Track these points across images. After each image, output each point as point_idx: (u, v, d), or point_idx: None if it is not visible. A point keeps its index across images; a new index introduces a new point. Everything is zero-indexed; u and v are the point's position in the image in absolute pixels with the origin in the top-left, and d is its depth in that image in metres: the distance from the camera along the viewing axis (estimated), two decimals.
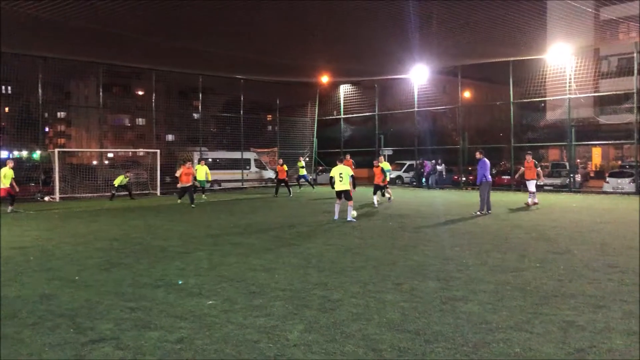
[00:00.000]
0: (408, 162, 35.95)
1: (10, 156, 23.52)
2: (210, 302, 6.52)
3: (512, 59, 26.72)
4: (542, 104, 36.31)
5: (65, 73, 28.55)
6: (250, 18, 18.27)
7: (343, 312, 6.03)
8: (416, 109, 32.06)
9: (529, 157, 18.79)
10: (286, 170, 25.86)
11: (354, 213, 15.05)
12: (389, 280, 7.55)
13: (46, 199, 24.00)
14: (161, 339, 5.21)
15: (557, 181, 28.32)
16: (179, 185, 20.46)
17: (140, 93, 71.49)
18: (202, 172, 23.66)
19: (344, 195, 15.00)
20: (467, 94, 38.27)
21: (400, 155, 37.37)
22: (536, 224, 13.79)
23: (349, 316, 5.86)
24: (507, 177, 29.53)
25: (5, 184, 18.28)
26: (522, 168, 19.16)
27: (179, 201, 20.83)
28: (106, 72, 29.28)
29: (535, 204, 18.45)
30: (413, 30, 19.34)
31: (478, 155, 16.84)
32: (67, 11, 16.13)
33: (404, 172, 36.25)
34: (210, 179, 24.78)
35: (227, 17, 17.94)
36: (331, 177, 15.34)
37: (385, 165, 20.49)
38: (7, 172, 18.40)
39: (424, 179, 31.54)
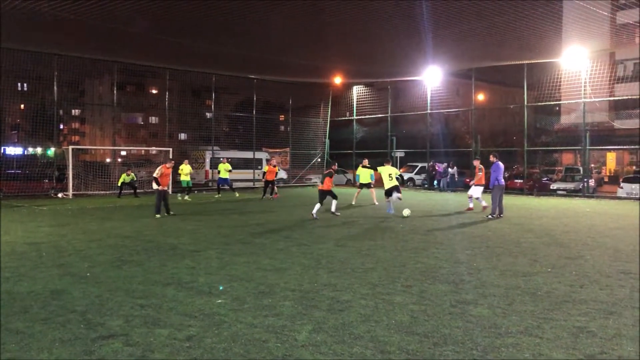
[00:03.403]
0: (420, 165, 35.85)
1: None
2: (220, 301, 6.54)
3: (526, 61, 26.55)
4: (557, 108, 36.09)
5: (80, 71, 28.72)
6: (264, 18, 18.31)
7: (352, 313, 6.02)
8: (429, 111, 31.95)
9: (477, 162, 18.16)
10: (276, 172, 24.67)
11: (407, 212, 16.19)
12: (398, 283, 7.53)
13: (59, 195, 24.21)
14: (170, 336, 5.23)
15: (571, 186, 28.08)
16: (154, 187, 16.38)
17: (154, 91, 72.04)
18: (186, 172, 23.06)
19: (395, 190, 16.42)
20: (480, 97, 38.11)
21: (412, 158, 37.29)
22: (548, 229, 13.69)
23: (357, 317, 5.85)
24: (519, 180, 29.35)
25: None
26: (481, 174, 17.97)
27: (157, 215, 16.18)
28: (120, 71, 29.47)
29: (470, 209, 18.10)
30: (427, 31, 19.27)
31: (492, 158, 16.74)
32: (82, 10, 16.28)
33: (415, 174, 36.16)
34: (189, 179, 23.49)
35: (241, 16, 17.97)
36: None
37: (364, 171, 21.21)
38: None
39: (435, 182, 31.43)
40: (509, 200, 20.86)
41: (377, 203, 20.66)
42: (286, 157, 35.88)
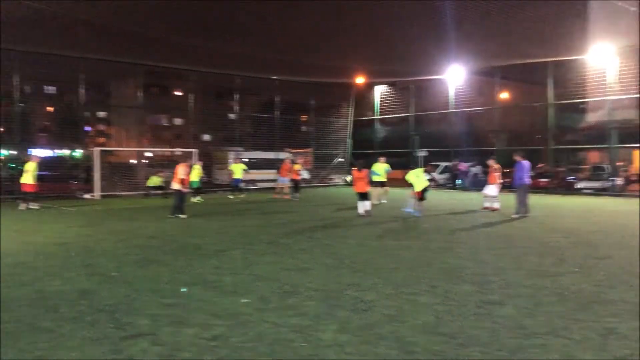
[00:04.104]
0: (444, 164, 35.56)
1: (32, 152, 23.33)
2: (245, 300, 6.59)
3: (551, 59, 26.16)
4: (582, 106, 35.44)
5: (106, 73, 29.22)
6: (286, 18, 18.38)
7: (376, 313, 6.01)
8: (452, 110, 31.69)
9: (492, 162, 18.35)
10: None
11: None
12: (423, 283, 7.50)
13: (86, 196, 24.57)
14: (197, 335, 5.29)
15: (597, 184, 27.59)
16: (177, 187, 16.42)
17: (178, 93, 72.60)
18: (196, 173, 22.52)
19: (425, 193, 16.49)
20: (504, 95, 37.61)
21: (435, 157, 36.98)
22: (575, 228, 13.50)
23: (382, 318, 5.84)
24: (545, 179, 28.92)
25: (31, 179, 18.15)
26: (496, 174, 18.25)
27: (183, 216, 16.10)
28: (145, 73, 29.81)
29: (490, 209, 17.93)
30: (450, 30, 19.14)
31: (517, 157, 16.55)
32: (108, 12, 16.53)
33: (439, 173, 35.86)
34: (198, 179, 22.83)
35: (263, 17, 18.07)
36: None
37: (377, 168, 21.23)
38: (34, 167, 18.36)
39: (459, 181, 31.16)
40: (534, 200, 20.56)
41: (384, 201, 20.61)
42: (309, 157, 35.88)
